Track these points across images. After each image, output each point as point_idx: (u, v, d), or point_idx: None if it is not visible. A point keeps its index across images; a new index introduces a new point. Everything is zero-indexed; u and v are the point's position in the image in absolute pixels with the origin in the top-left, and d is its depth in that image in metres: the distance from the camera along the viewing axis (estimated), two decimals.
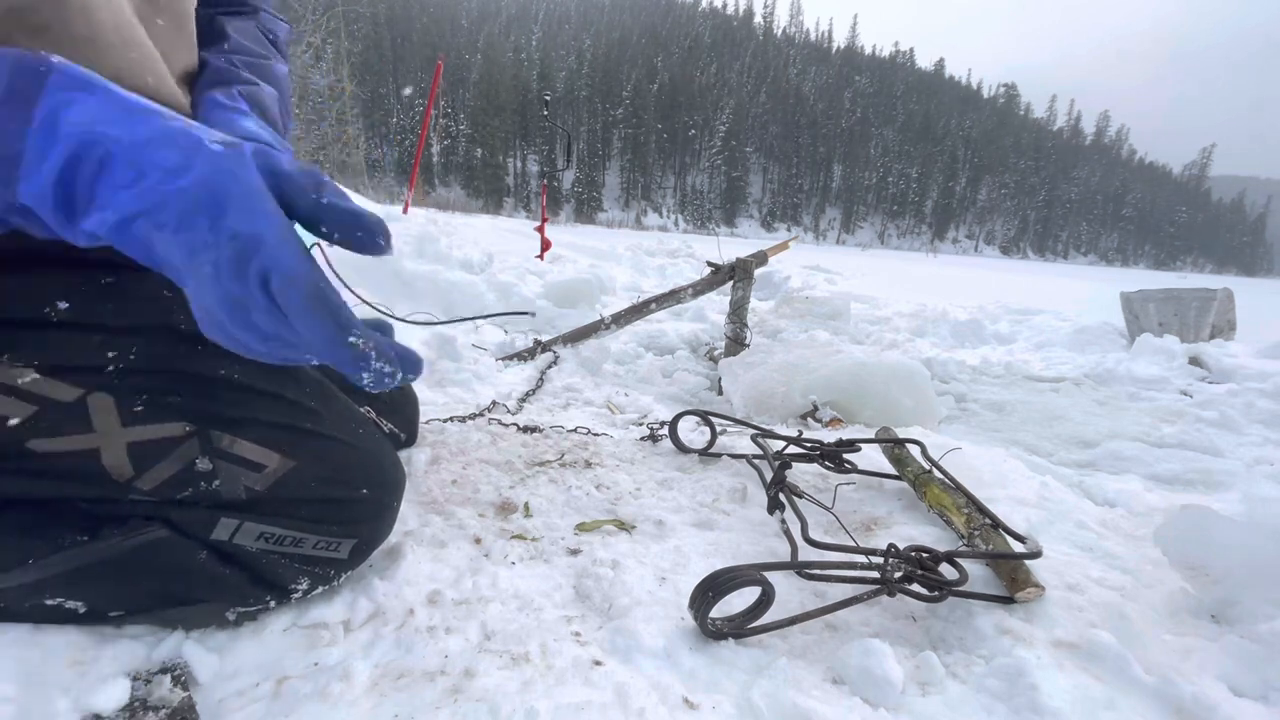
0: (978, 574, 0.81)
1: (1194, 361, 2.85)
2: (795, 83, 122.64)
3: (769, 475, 1.05)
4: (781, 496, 0.95)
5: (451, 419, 1.30)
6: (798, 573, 0.74)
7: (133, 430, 0.58)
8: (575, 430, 1.31)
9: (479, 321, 2.45)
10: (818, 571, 0.73)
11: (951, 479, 1.02)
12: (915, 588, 0.74)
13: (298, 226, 0.45)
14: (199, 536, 0.61)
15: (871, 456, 1.19)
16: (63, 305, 0.56)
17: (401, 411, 1.06)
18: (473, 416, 1.35)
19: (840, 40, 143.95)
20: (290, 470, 0.63)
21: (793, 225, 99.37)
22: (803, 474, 1.16)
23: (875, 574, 0.73)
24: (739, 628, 0.68)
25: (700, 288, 2.46)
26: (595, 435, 1.31)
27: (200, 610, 0.63)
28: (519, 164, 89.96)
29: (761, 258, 2.64)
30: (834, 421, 1.56)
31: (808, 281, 5.50)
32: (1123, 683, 0.65)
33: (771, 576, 0.68)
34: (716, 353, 2.35)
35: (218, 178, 0.41)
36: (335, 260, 0.57)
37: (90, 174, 0.40)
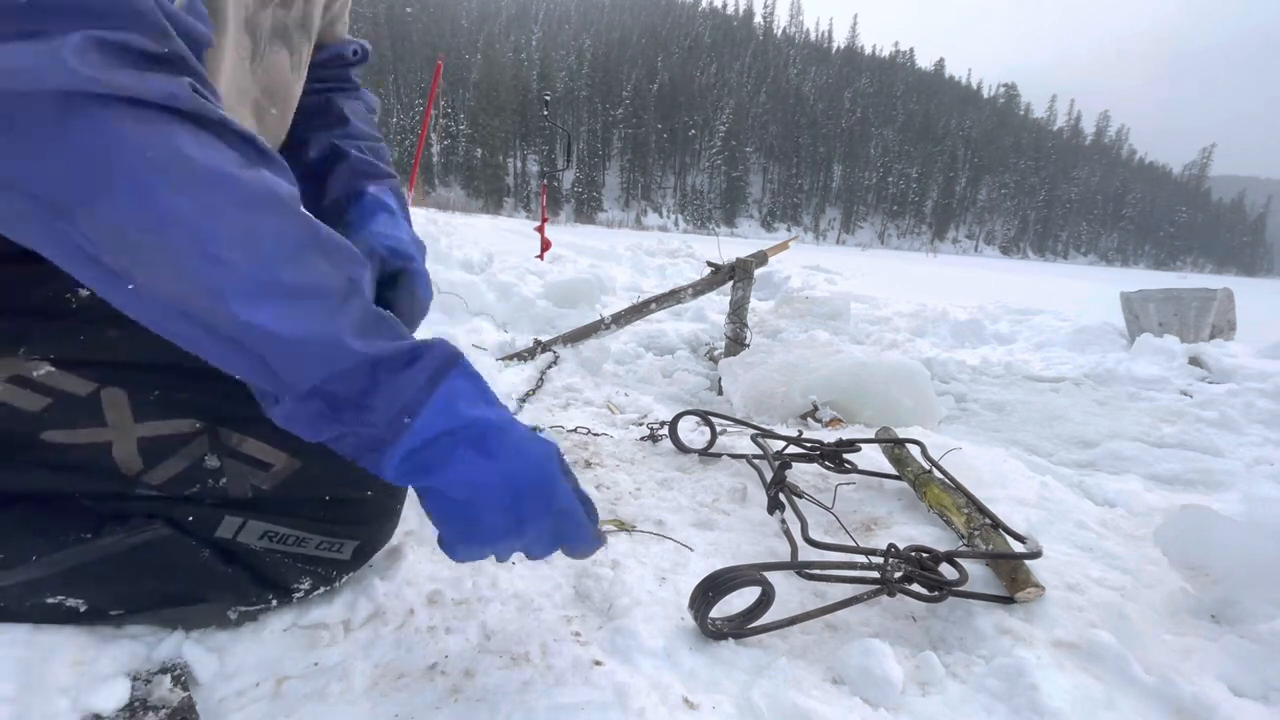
0: (978, 574, 0.81)
1: (1194, 361, 2.85)
2: (795, 83, 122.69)
3: (769, 475, 1.05)
4: (781, 496, 0.95)
5: None
6: (798, 573, 0.73)
7: (144, 426, 0.58)
8: (575, 430, 1.31)
9: (479, 321, 2.45)
10: (818, 571, 0.73)
11: (951, 479, 1.02)
12: (915, 588, 0.74)
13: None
14: (202, 534, 0.61)
15: (871, 456, 1.19)
16: (83, 292, 0.56)
17: None
18: None
19: (840, 40, 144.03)
20: (297, 470, 0.63)
21: (793, 225, 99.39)
22: (803, 474, 1.16)
23: (875, 574, 0.73)
24: (739, 628, 0.68)
25: (700, 288, 2.46)
26: (595, 435, 1.31)
27: (201, 610, 0.63)
28: (519, 164, 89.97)
29: (761, 258, 2.64)
30: (834, 421, 1.56)
31: (808, 281, 5.50)
32: (1123, 683, 0.65)
33: (771, 576, 0.68)
34: (716, 353, 2.35)
35: (546, 466, 0.53)
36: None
37: (453, 443, 0.49)
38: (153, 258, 0.41)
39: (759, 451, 1.19)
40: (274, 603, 0.65)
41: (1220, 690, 0.65)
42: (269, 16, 0.66)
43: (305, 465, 0.64)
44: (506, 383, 1.71)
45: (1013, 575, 0.77)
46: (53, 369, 0.55)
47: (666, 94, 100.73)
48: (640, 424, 1.47)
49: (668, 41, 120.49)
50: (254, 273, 0.43)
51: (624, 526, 0.92)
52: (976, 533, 0.86)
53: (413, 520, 0.86)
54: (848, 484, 1.11)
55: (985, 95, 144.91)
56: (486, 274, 3.25)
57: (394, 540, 0.79)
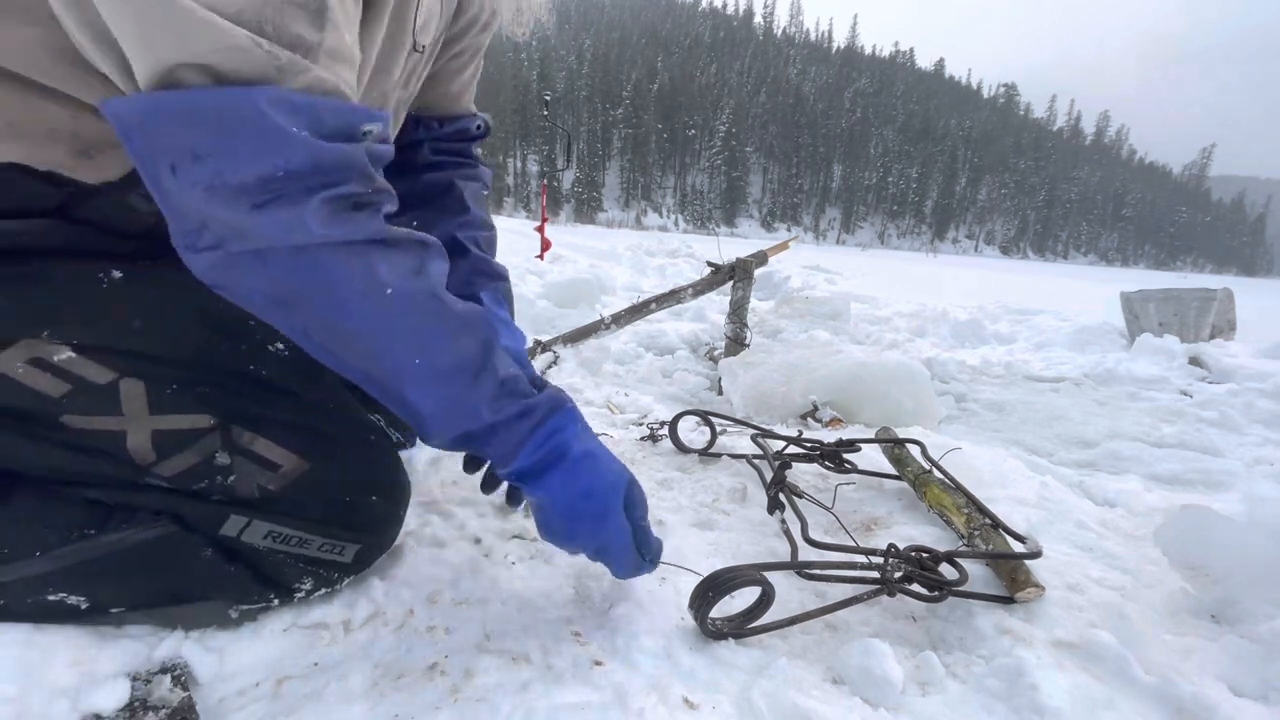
0: (978, 574, 0.81)
1: (1194, 361, 2.85)
2: (795, 83, 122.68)
3: (769, 475, 1.05)
4: (781, 496, 0.95)
5: None
6: (798, 573, 0.73)
7: (159, 419, 0.59)
8: None
9: None
10: (818, 572, 0.73)
11: (951, 479, 1.02)
12: (915, 588, 0.74)
13: None
14: (207, 532, 0.61)
15: (871, 456, 1.19)
16: (116, 274, 0.58)
17: None
18: None
19: (840, 40, 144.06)
20: (304, 472, 0.64)
21: (793, 225, 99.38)
22: (803, 474, 1.16)
23: (875, 574, 0.73)
24: (739, 628, 0.68)
25: (700, 288, 2.46)
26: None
27: (202, 608, 0.63)
28: (519, 164, 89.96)
29: (761, 258, 2.64)
30: (834, 421, 1.56)
31: (808, 281, 5.50)
32: (1123, 683, 0.65)
33: (771, 576, 0.68)
34: (716, 353, 2.35)
35: (606, 500, 0.65)
36: None
37: (542, 469, 0.64)
38: (349, 349, 0.55)
39: (759, 451, 1.19)
40: (275, 602, 0.65)
41: (1220, 690, 0.65)
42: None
43: (313, 468, 0.64)
44: None
45: (1013, 575, 0.77)
46: (74, 355, 0.56)
47: (666, 94, 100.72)
48: (640, 424, 1.47)
49: (668, 41, 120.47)
50: (421, 366, 0.56)
51: None
52: (976, 533, 0.86)
53: (413, 521, 0.86)
54: (848, 484, 1.11)
55: (985, 95, 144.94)
56: None
57: (395, 542, 0.79)
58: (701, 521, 0.96)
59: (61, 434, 0.58)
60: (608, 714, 0.55)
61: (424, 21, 0.71)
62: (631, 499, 0.67)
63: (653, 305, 2.33)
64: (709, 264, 2.57)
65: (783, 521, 0.91)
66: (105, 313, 0.57)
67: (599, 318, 2.25)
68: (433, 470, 1.03)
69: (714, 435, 1.26)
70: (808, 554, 0.80)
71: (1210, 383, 2.60)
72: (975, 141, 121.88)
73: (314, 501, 0.65)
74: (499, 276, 0.90)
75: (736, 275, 2.44)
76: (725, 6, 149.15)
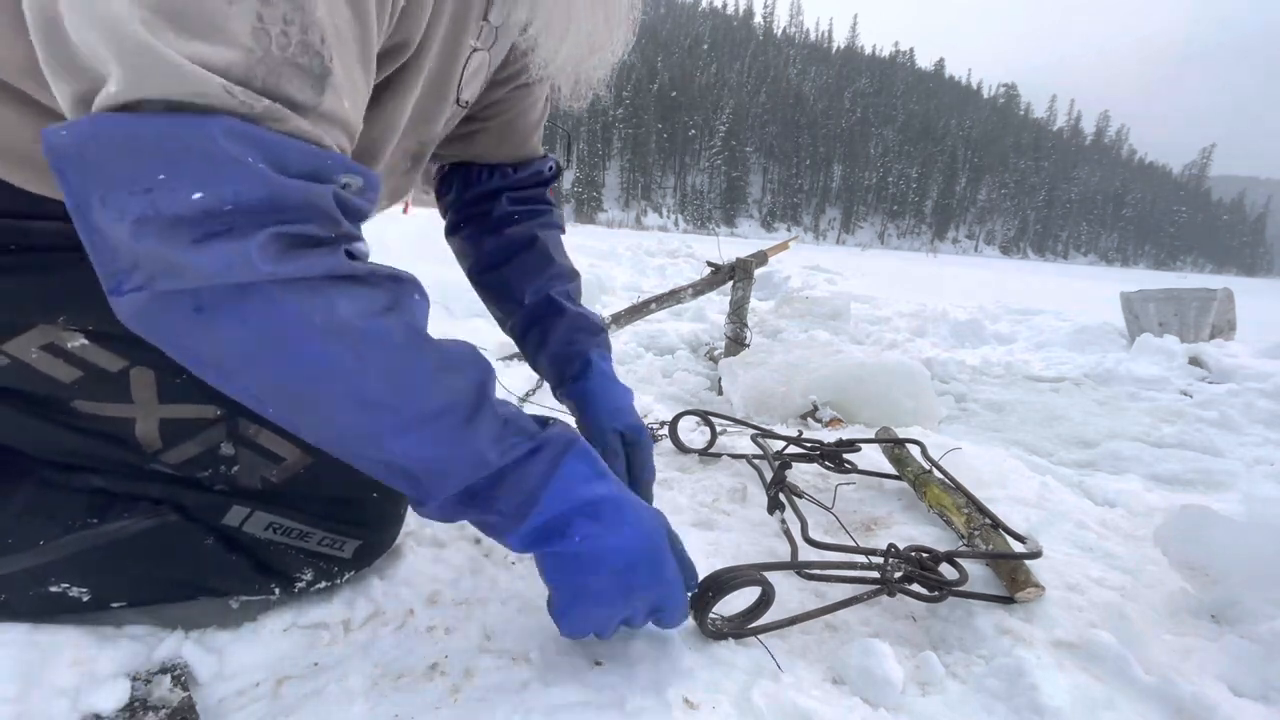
0: (978, 574, 0.81)
1: (1194, 361, 2.85)
2: (795, 83, 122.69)
3: (769, 475, 1.05)
4: (781, 496, 0.95)
5: None
6: (798, 573, 0.73)
7: (168, 407, 0.60)
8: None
9: (479, 321, 2.45)
10: (818, 572, 0.73)
11: (951, 479, 1.02)
12: (915, 588, 0.74)
13: None
14: (209, 521, 0.62)
15: (871, 456, 1.19)
16: None
17: None
18: None
19: (840, 40, 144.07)
20: (307, 466, 0.64)
21: (793, 225, 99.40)
22: (803, 474, 1.16)
23: (875, 574, 0.73)
24: (739, 628, 0.68)
25: (700, 288, 2.46)
26: None
27: (203, 603, 0.64)
28: None
29: (761, 258, 2.65)
30: (834, 421, 1.56)
31: (808, 281, 5.49)
32: (1123, 683, 0.65)
33: (771, 576, 0.67)
34: (716, 353, 2.35)
35: (656, 537, 0.58)
36: None
37: (570, 517, 0.54)
38: (314, 408, 0.47)
39: (759, 451, 1.19)
40: (276, 592, 0.66)
41: (1220, 690, 0.65)
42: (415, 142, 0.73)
43: (315, 462, 0.65)
44: (507, 383, 1.71)
45: (1013, 575, 0.77)
46: (87, 342, 0.57)
47: (666, 94, 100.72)
48: None
49: (668, 41, 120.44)
50: (403, 408, 0.48)
51: None
52: (976, 533, 0.86)
53: (413, 521, 0.86)
54: (848, 484, 1.11)
55: (985, 95, 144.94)
56: None
57: (395, 542, 0.79)
58: (701, 521, 0.96)
59: (72, 418, 0.58)
60: (607, 714, 0.55)
61: (469, 80, 0.71)
62: (671, 531, 0.62)
63: (653, 305, 2.33)
64: (709, 264, 2.57)
65: (783, 521, 0.91)
66: None
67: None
68: None
69: (714, 435, 1.26)
70: (808, 554, 0.80)
71: (1210, 383, 2.60)
72: (975, 141, 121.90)
73: (316, 495, 0.65)
74: (599, 329, 0.89)
75: (736, 275, 2.44)
76: (725, 6, 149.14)
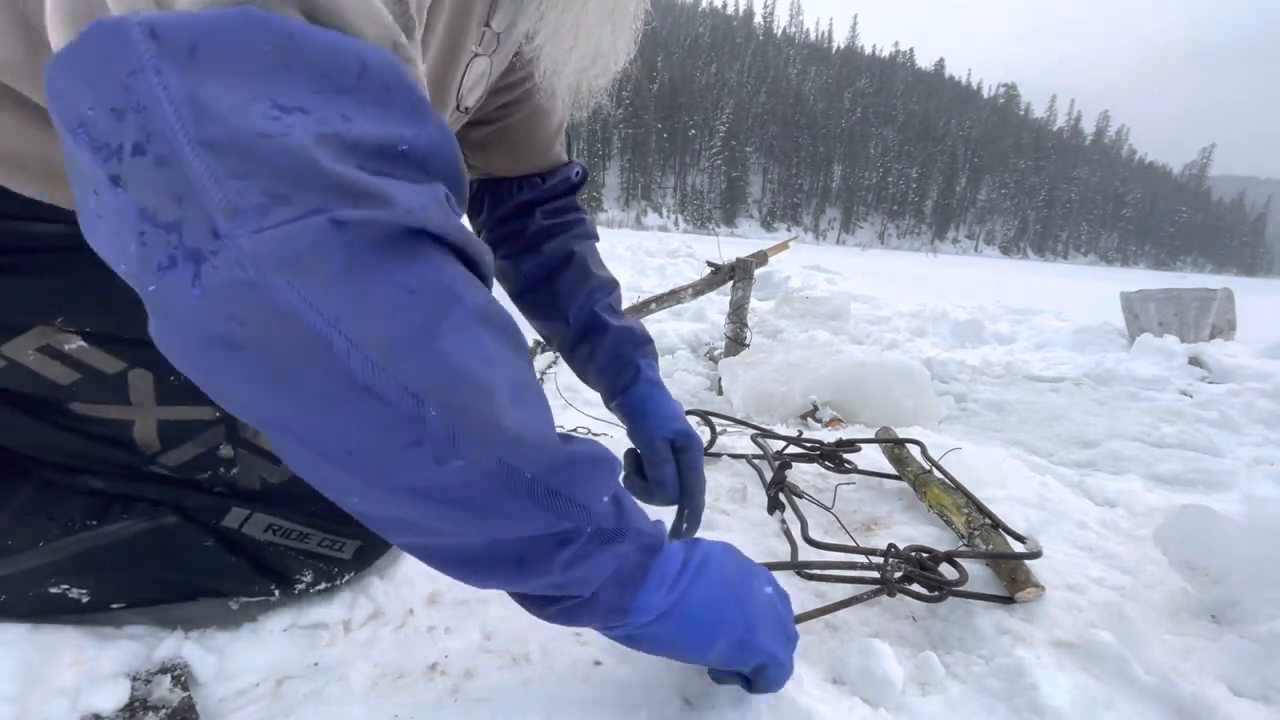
0: (978, 574, 0.81)
1: (1194, 361, 2.85)
2: (795, 83, 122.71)
3: (769, 475, 1.05)
4: (781, 496, 0.95)
5: None
6: (798, 573, 0.73)
7: (166, 409, 0.59)
8: (575, 430, 1.31)
9: None
10: (818, 572, 0.73)
11: (951, 479, 1.02)
12: (915, 588, 0.74)
13: None
14: (208, 523, 0.62)
15: (871, 456, 1.19)
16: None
17: None
18: None
19: (840, 40, 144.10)
20: None
21: (793, 225, 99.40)
22: (803, 474, 1.16)
23: (875, 574, 0.73)
24: None
25: (700, 288, 2.46)
26: (595, 435, 1.31)
27: (203, 604, 0.64)
28: None
29: (761, 258, 2.64)
30: (834, 421, 1.56)
31: (808, 281, 5.49)
32: (1123, 683, 0.65)
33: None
34: (716, 353, 2.35)
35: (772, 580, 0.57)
36: None
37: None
38: (488, 397, 0.37)
39: (759, 451, 1.19)
40: (276, 593, 0.65)
41: (1220, 690, 0.65)
42: None
43: None
44: None
45: (1013, 575, 0.77)
46: (84, 344, 0.56)
47: (666, 94, 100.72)
48: None
49: (668, 41, 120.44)
50: (544, 406, 0.42)
51: None
52: (976, 533, 0.86)
53: None
54: (848, 484, 1.11)
55: (985, 95, 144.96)
56: None
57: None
58: (702, 522, 0.96)
59: (70, 420, 0.58)
60: (607, 714, 0.55)
61: (470, 86, 0.70)
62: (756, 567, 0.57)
63: (653, 305, 2.33)
64: (709, 264, 2.57)
65: (783, 522, 0.91)
66: (117, 303, 0.57)
67: None
68: None
69: (714, 435, 1.26)
70: (808, 554, 0.80)
71: (1210, 383, 2.60)
72: (975, 141, 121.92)
73: (315, 496, 0.65)
74: (644, 340, 0.88)
75: (736, 275, 2.44)
76: (725, 6, 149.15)
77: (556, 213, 0.91)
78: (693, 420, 1.35)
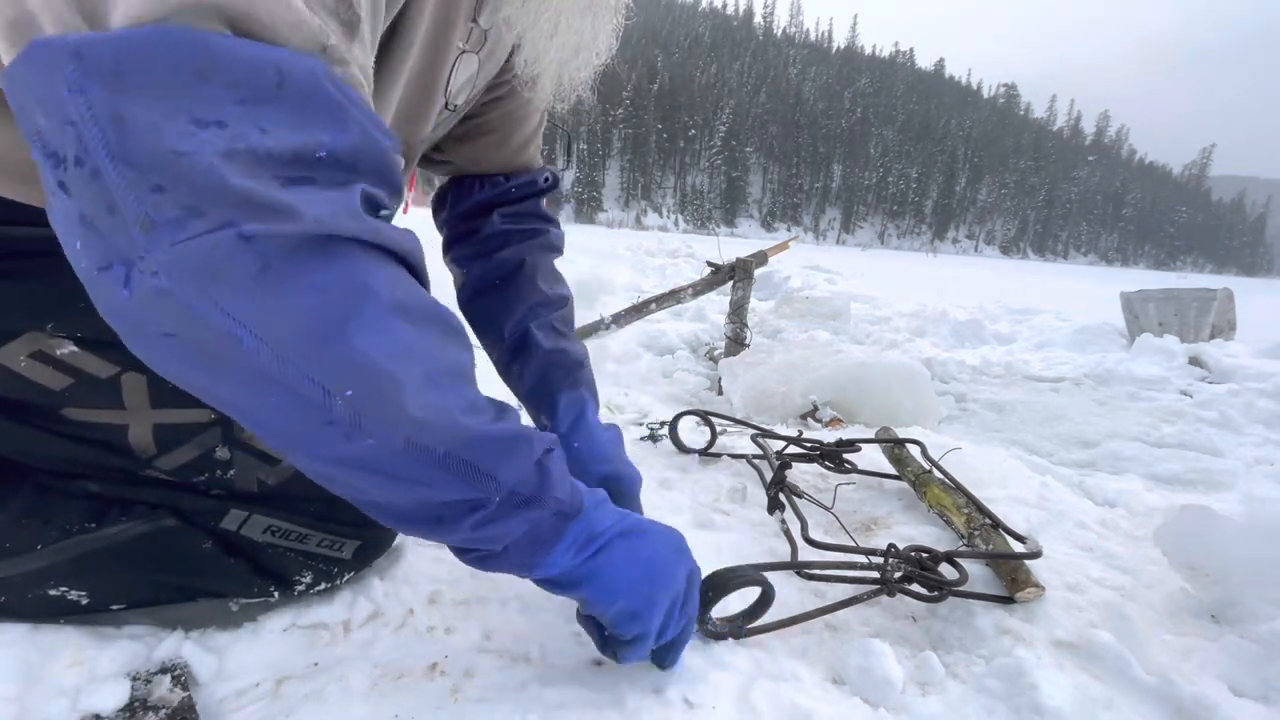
0: (978, 574, 0.81)
1: (1194, 361, 2.85)
2: (795, 83, 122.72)
3: (769, 475, 1.05)
4: (781, 496, 0.95)
5: None
6: (797, 573, 0.73)
7: (161, 412, 0.59)
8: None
9: None
10: (817, 572, 0.73)
11: (951, 479, 1.02)
12: (915, 588, 0.74)
13: None
14: (206, 525, 0.62)
15: (872, 456, 1.19)
16: None
17: None
18: None
19: (840, 40, 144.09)
20: None
21: (793, 225, 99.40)
22: (803, 474, 1.16)
23: (875, 574, 0.73)
24: (738, 628, 0.68)
25: (700, 288, 2.46)
26: None
27: (203, 605, 0.63)
28: None
29: (761, 258, 2.64)
30: (834, 421, 1.56)
31: (808, 281, 5.49)
32: (1123, 683, 0.65)
33: (771, 577, 0.67)
34: (716, 353, 2.34)
35: (695, 574, 0.60)
36: None
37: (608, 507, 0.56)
38: (395, 387, 0.41)
39: (759, 451, 1.19)
40: (276, 595, 0.65)
41: (1220, 690, 0.65)
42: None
43: None
44: None
45: (1013, 575, 0.77)
46: (76, 349, 0.56)
47: (666, 94, 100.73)
48: (640, 424, 1.47)
49: (668, 41, 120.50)
50: (465, 391, 0.46)
51: None
52: (976, 533, 0.86)
53: None
54: (848, 484, 1.11)
55: (985, 95, 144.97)
56: None
57: (394, 542, 0.79)
58: (701, 521, 0.96)
59: (64, 426, 0.58)
60: (607, 714, 0.55)
61: (459, 86, 0.70)
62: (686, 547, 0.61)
63: (653, 305, 2.33)
64: (709, 264, 2.57)
65: (783, 521, 0.91)
66: None
67: (599, 318, 2.25)
68: None
69: (714, 435, 1.26)
70: (807, 554, 0.80)
71: (1210, 383, 2.60)
72: (975, 141, 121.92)
73: (314, 496, 0.65)
74: (575, 364, 0.82)
75: (736, 275, 2.44)
76: (725, 6, 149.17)
77: (518, 218, 0.88)
78: (692, 420, 1.35)
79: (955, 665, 0.67)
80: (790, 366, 1.70)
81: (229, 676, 0.59)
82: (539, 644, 0.64)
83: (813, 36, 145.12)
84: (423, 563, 0.77)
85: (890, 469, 1.14)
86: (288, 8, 0.36)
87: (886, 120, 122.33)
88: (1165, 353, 2.95)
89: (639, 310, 2.30)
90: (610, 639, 0.58)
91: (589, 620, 0.59)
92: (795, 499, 0.93)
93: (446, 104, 0.70)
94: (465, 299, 0.88)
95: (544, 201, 0.92)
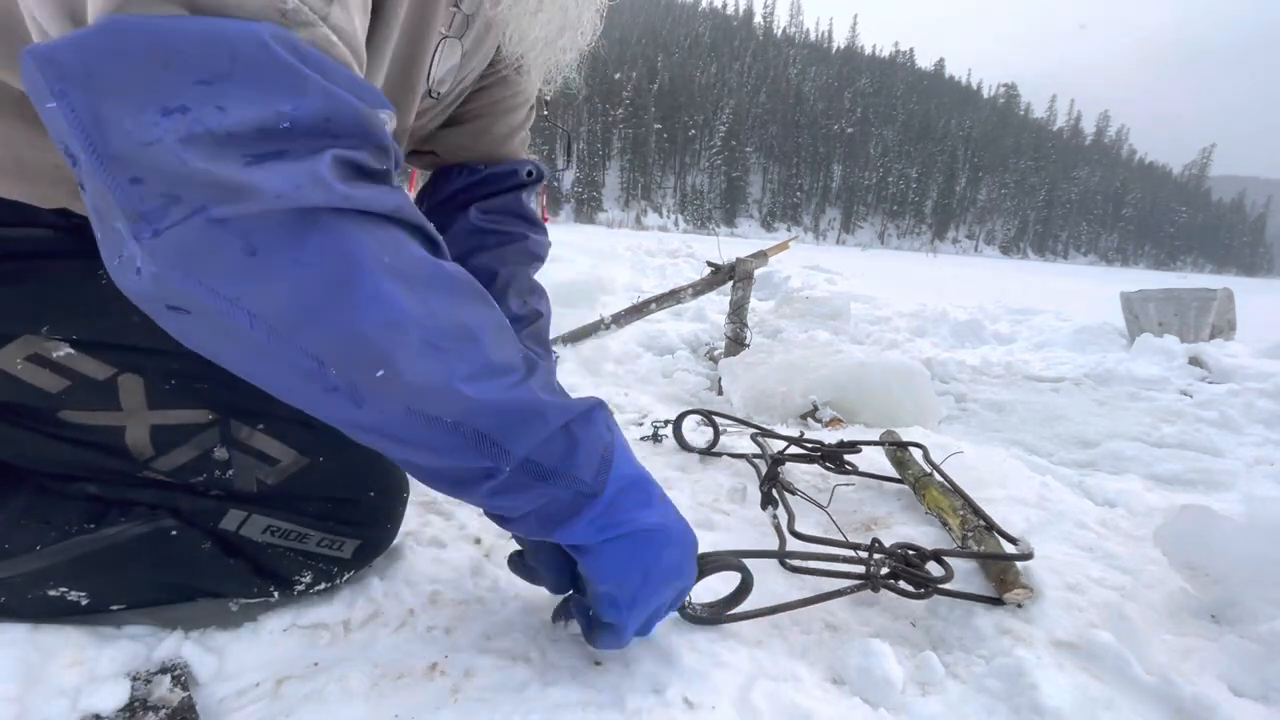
0: (971, 575, 0.81)
1: (1194, 361, 2.85)
2: (795, 83, 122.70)
3: None
4: (774, 492, 0.95)
5: None
6: (780, 563, 0.73)
7: (158, 413, 0.59)
8: None
9: None
10: (799, 563, 0.73)
11: (950, 481, 1.01)
12: (901, 584, 0.73)
13: None
14: (205, 525, 0.62)
15: (872, 457, 1.19)
16: None
17: None
18: None
19: (840, 40, 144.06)
20: (303, 467, 0.64)
21: (793, 225, 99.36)
22: (803, 475, 1.16)
23: (860, 569, 0.73)
24: (718, 614, 0.67)
25: (700, 288, 2.46)
26: None
27: (203, 605, 0.64)
28: None
29: (761, 258, 2.64)
30: (834, 421, 1.56)
31: (808, 281, 5.49)
32: (1123, 683, 0.65)
33: (764, 571, 0.67)
34: (716, 353, 2.34)
35: (690, 538, 0.58)
36: None
37: (639, 485, 0.54)
38: (388, 357, 0.41)
39: (760, 451, 1.19)
40: (275, 595, 0.65)
41: (1220, 690, 0.65)
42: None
43: (311, 463, 0.64)
44: None
45: (1001, 576, 0.78)
46: (72, 351, 0.56)
47: (666, 94, 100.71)
48: (640, 424, 1.47)
49: (668, 41, 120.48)
50: (472, 355, 0.45)
51: None
52: (970, 534, 0.86)
53: (413, 521, 0.86)
54: (847, 485, 1.11)
55: (985, 95, 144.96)
56: None
57: (394, 541, 0.79)
58: (701, 521, 0.96)
59: (60, 428, 0.58)
60: (607, 714, 0.55)
61: (441, 75, 0.69)
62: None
63: (653, 305, 2.33)
64: (709, 264, 2.57)
65: (774, 517, 0.91)
66: (104, 309, 0.56)
67: (599, 318, 2.25)
68: None
69: (716, 435, 1.26)
70: (794, 547, 0.80)
71: (1210, 383, 2.60)
72: (975, 141, 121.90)
73: (312, 496, 0.65)
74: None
75: (736, 275, 2.44)
76: (725, 6, 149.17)
77: (497, 216, 0.85)
78: (695, 419, 1.35)
79: (955, 665, 0.67)
80: (790, 366, 1.70)
81: (229, 676, 0.59)
82: (539, 644, 0.64)
83: (813, 36, 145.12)
84: (423, 563, 0.77)
85: (891, 470, 1.14)
86: None
87: (886, 120, 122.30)
88: (1165, 353, 2.95)
89: (639, 310, 2.30)
90: (592, 621, 0.58)
91: (579, 607, 0.60)
92: (788, 495, 0.93)
93: (430, 91, 0.70)
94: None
95: (530, 198, 0.90)
